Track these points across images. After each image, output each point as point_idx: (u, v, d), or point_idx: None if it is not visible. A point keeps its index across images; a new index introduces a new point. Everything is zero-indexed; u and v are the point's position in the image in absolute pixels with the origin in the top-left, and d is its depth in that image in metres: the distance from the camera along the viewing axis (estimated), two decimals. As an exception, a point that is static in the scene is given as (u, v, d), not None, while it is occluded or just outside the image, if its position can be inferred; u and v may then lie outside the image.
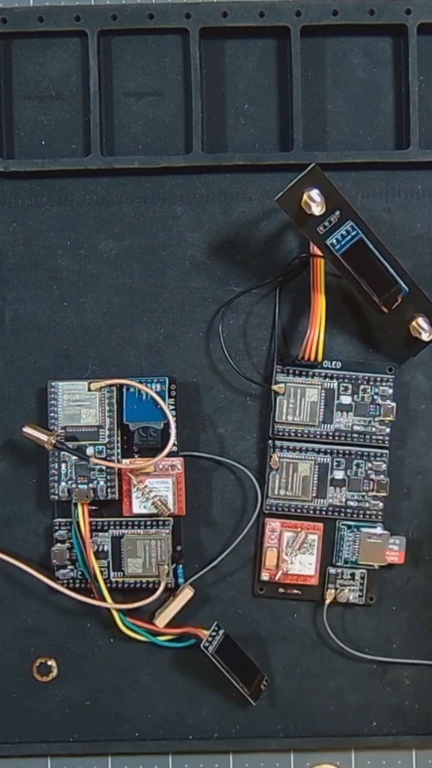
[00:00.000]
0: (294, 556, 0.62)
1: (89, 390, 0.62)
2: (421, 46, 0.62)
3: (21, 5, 0.63)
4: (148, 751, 0.63)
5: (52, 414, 0.62)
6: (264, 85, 0.63)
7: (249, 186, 0.63)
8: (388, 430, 0.62)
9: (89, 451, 0.61)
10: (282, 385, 0.62)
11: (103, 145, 0.62)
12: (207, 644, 0.60)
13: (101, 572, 0.62)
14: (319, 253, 0.60)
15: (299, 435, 0.62)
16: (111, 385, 0.62)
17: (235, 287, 0.63)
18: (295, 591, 0.63)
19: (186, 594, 0.62)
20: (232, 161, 0.62)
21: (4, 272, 0.63)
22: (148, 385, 0.61)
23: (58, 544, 0.62)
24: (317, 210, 0.58)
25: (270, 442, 0.62)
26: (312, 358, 0.61)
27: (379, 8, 0.62)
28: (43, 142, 0.63)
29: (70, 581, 0.62)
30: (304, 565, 0.62)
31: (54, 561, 0.62)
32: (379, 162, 0.62)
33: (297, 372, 0.62)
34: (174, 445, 0.61)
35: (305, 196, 0.58)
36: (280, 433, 0.62)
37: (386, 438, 0.62)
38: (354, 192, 0.63)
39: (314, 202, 0.57)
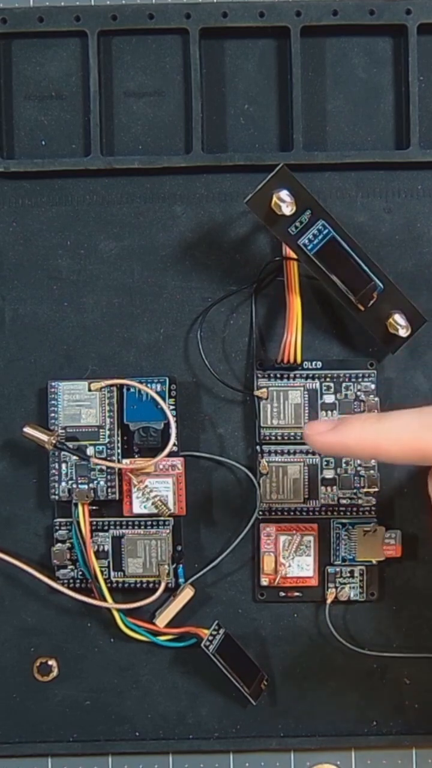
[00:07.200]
0: (291, 559, 0.62)
1: (89, 390, 0.62)
2: (421, 46, 0.62)
3: (21, 5, 0.63)
4: (148, 750, 0.63)
5: (53, 414, 0.62)
6: (264, 85, 0.63)
7: (249, 186, 0.63)
8: (373, 425, 0.62)
9: (89, 451, 0.62)
10: (264, 389, 0.62)
11: (103, 145, 0.62)
12: (208, 643, 0.60)
13: (101, 572, 0.62)
14: (292, 255, 0.60)
15: (286, 438, 0.62)
16: (111, 385, 0.62)
17: (235, 287, 0.63)
18: (296, 594, 0.63)
19: (186, 594, 0.62)
20: (232, 161, 0.62)
21: (4, 272, 0.63)
22: (149, 385, 0.61)
23: (59, 544, 0.62)
24: (287, 210, 0.57)
25: (257, 447, 0.62)
26: (291, 360, 0.60)
27: (379, 8, 0.62)
28: (43, 142, 0.63)
29: (71, 581, 0.62)
30: (302, 567, 0.62)
31: (54, 561, 0.62)
32: (379, 162, 0.62)
33: (278, 375, 0.62)
34: (174, 445, 0.61)
35: (275, 197, 0.57)
36: (267, 438, 0.62)
37: (373, 434, 0.62)
38: (354, 192, 0.63)
39: (284, 202, 0.57)
